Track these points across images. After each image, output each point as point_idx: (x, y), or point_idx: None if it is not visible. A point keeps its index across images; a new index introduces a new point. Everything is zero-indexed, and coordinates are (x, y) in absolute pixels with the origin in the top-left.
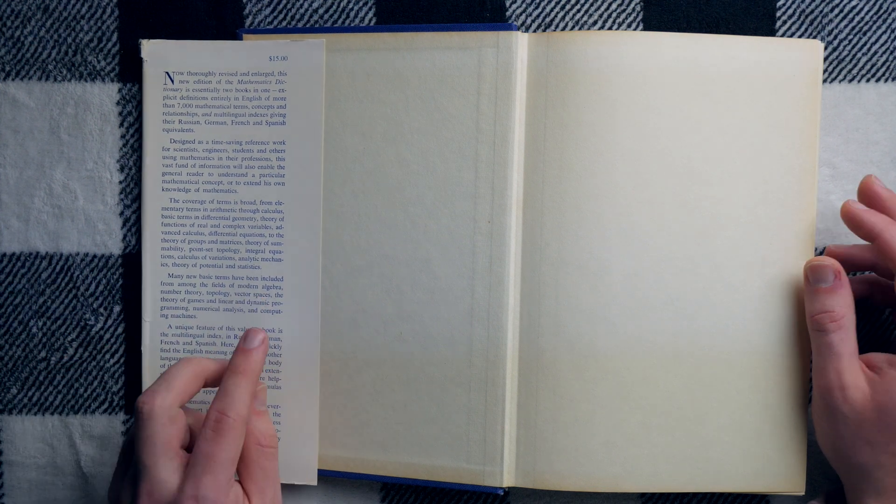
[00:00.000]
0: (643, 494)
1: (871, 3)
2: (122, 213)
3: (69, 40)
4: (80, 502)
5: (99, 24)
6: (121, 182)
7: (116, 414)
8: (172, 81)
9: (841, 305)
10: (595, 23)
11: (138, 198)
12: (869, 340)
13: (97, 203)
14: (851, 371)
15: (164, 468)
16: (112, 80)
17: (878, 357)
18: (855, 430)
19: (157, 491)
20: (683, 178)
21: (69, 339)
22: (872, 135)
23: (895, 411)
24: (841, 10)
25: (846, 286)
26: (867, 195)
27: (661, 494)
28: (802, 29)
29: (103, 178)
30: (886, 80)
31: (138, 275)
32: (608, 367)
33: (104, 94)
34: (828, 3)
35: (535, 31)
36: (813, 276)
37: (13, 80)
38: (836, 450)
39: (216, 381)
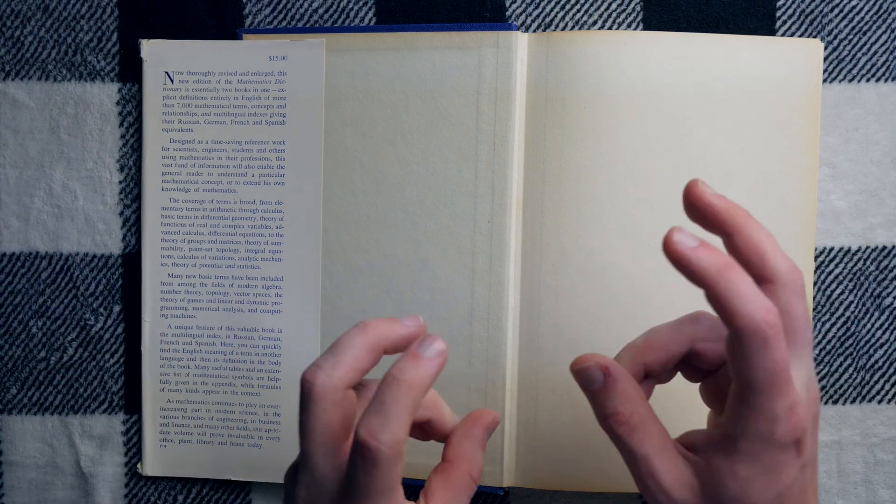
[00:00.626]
0: None
1: (871, 3)
2: (121, 213)
3: (69, 40)
4: (80, 502)
5: (99, 24)
6: (120, 182)
7: (116, 414)
8: (172, 81)
9: (622, 403)
10: (595, 23)
11: (138, 198)
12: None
13: (97, 203)
14: (667, 469)
15: (323, 463)
16: (112, 80)
17: (699, 437)
18: None
19: (315, 487)
20: (683, 178)
21: (69, 339)
22: (872, 135)
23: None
24: (841, 10)
25: (621, 379)
26: (694, 208)
27: None
28: (802, 29)
29: (103, 178)
30: (886, 80)
31: (138, 275)
32: None
33: (104, 94)
34: (828, 3)
35: (535, 31)
36: (581, 381)
37: (13, 80)
38: None
39: (400, 346)
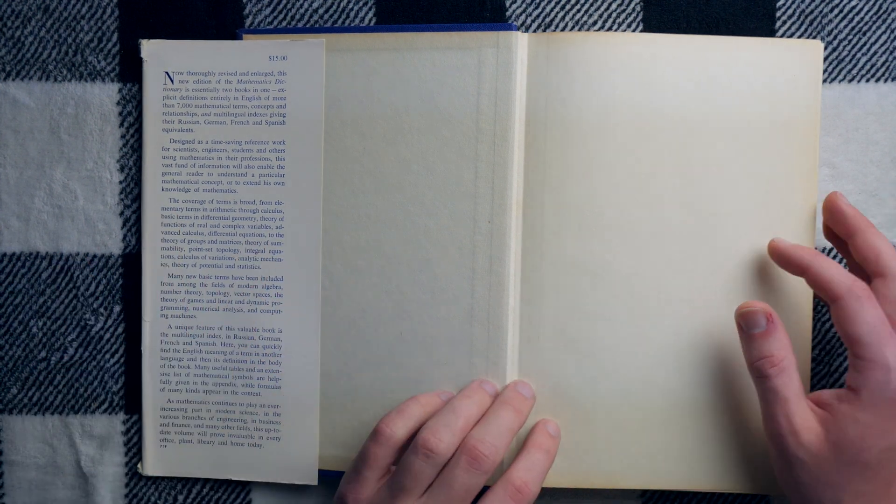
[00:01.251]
0: (643, 493)
1: (871, 3)
2: (122, 213)
3: (69, 40)
4: (80, 502)
5: (99, 24)
6: (121, 182)
7: (116, 414)
8: (172, 81)
9: (778, 348)
10: (595, 23)
11: (138, 198)
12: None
13: (97, 203)
14: (801, 413)
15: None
16: (112, 80)
17: (825, 394)
18: (814, 473)
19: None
20: (683, 178)
21: (69, 339)
22: (872, 135)
23: (851, 449)
24: (841, 10)
25: (780, 327)
26: (831, 212)
27: (662, 494)
28: (802, 29)
29: (103, 178)
30: (886, 80)
31: (138, 275)
32: (607, 366)
33: (104, 94)
34: (828, 3)
35: (535, 31)
36: (745, 322)
37: (13, 80)
38: (797, 494)
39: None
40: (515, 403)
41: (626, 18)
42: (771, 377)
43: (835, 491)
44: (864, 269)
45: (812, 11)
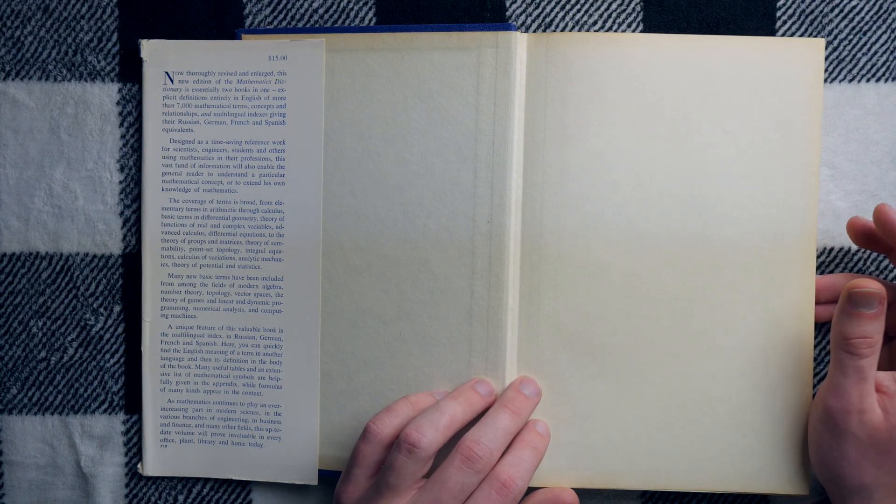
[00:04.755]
0: (643, 494)
1: (871, 3)
2: (122, 213)
3: (69, 40)
4: (80, 502)
5: (99, 24)
6: (121, 182)
7: (116, 414)
8: (172, 81)
9: (878, 331)
10: (595, 23)
11: (138, 198)
12: None
13: (97, 203)
14: (872, 393)
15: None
16: (112, 80)
17: (882, 376)
18: (864, 450)
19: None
20: (683, 179)
21: (69, 339)
22: (872, 135)
23: None
24: (841, 10)
25: (885, 310)
26: (884, 223)
27: (662, 494)
28: (802, 29)
29: (103, 178)
30: (886, 80)
31: (138, 275)
32: (607, 366)
33: (104, 94)
34: (828, 3)
35: (535, 31)
36: (857, 301)
37: (13, 80)
38: (836, 469)
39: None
40: (514, 405)
41: (626, 18)
42: (863, 356)
43: (879, 469)
44: None
45: (812, 11)
